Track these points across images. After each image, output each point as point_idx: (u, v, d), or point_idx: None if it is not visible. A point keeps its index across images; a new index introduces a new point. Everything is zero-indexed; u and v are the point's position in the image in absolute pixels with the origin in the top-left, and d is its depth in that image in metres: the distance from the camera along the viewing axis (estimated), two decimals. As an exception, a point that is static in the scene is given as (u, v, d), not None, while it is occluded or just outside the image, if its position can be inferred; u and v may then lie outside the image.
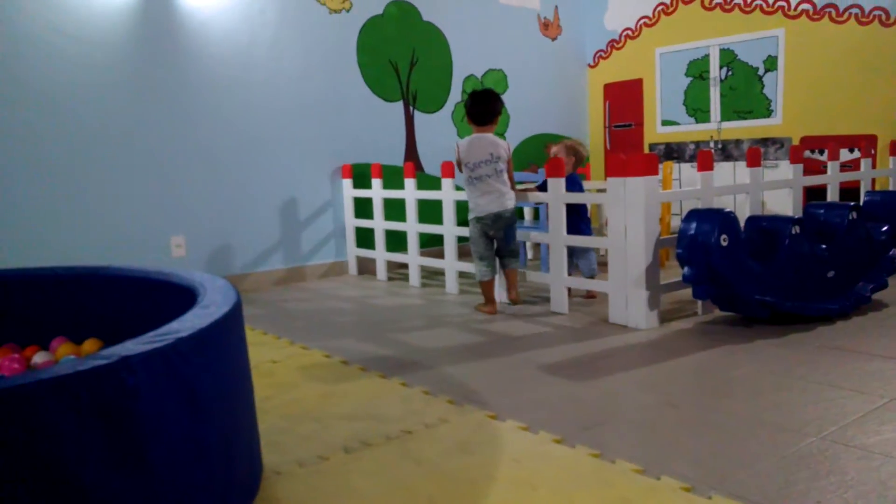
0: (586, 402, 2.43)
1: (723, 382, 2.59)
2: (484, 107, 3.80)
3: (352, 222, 5.30)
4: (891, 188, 4.90)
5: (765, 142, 5.54)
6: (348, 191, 5.27)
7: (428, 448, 2.06)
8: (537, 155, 6.57)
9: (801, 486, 1.74)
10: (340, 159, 5.32)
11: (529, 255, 5.72)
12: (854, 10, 5.05)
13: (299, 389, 2.65)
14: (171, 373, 1.40)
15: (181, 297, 2.10)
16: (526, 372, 2.80)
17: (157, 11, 4.43)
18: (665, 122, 6.30)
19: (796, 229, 3.38)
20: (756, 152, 3.90)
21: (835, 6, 5.15)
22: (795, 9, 5.35)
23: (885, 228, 3.77)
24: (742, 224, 3.39)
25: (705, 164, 3.64)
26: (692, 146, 6.08)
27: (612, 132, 6.72)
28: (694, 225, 3.17)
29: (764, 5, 5.52)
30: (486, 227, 3.84)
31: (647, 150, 6.42)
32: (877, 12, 4.93)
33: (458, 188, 4.35)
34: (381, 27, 5.47)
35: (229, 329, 1.67)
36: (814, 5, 5.25)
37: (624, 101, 6.59)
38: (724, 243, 3.11)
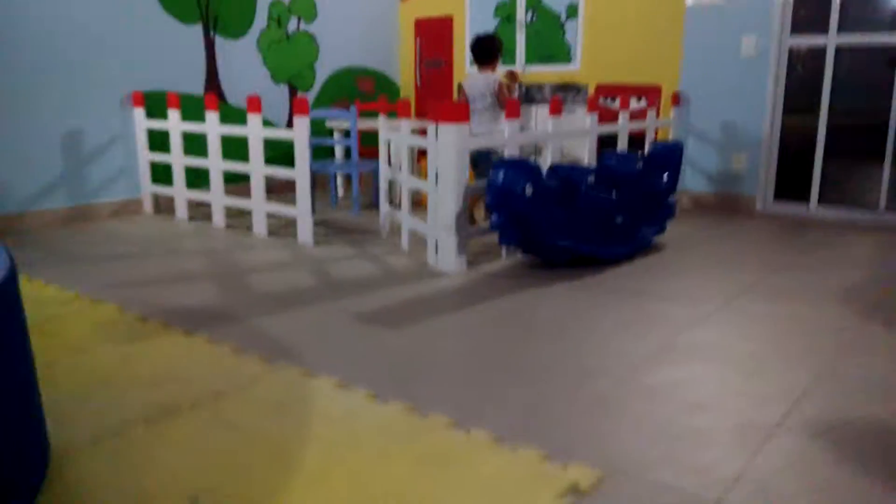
0: (400, 353, 2.46)
1: (526, 327, 2.74)
2: (478, 47, 4.51)
3: (146, 156, 4.86)
4: (671, 136, 5.38)
5: (564, 87, 5.81)
6: (141, 121, 4.81)
7: (239, 411, 1.98)
8: (349, 89, 6.41)
9: (601, 428, 1.89)
10: (131, 85, 4.81)
11: (340, 192, 5.63)
12: (647, -33, 5.37)
13: (90, 352, 2.42)
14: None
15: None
16: (341, 322, 2.77)
17: None
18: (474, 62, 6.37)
19: (591, 179, 3.61)
20: (558, 102, 4.07)
21: (630, -40, 5.44)
22: (596, -41, 5.58)
23: (665, 177, 4.13)
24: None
25: (512, 113, 3.75)
26: (499, 88, 6.22)
27: (423, 70, 6.70)
28: (501, 174, 3.27)
29: (568, -47, 5.70)
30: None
31: (455, 89, 6.48)
32: (666, -30, 5.28)
33: (266, 123, 4.13)
34: (175, -61, 4.94)
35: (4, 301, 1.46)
36: (612, -42, 5.51)
37: (434, 38, 6.57)
38: (529, 192, 3.24)
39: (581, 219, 3.54)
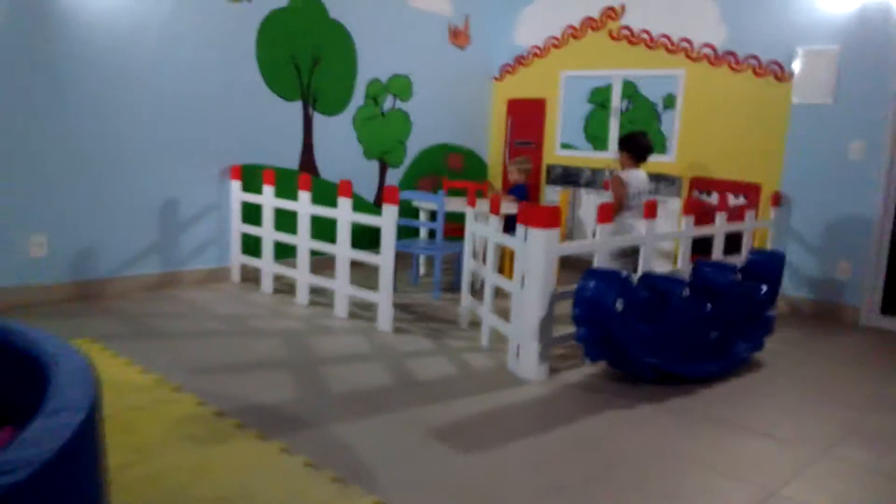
0: (475, 485, 2.34)
1: (608, 461, 2.58)
2: (644, 146, 4.54)
3: (238, 227, 4.98)
4: (770, 238, 5.13)
5: (658, 178, 5.66)
6: (236, 193, 4.94)
7: (306, 549, 1.90)
8: (438, 166, 6.45)
9: None
10: (230, 158, 4.97)
11: (422, 271, 5.61)
12: (752, 62, 5.21)
13: (165, 455, 2.40)
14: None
15: (19, 370, 1.80)
16: (415, 436, 2.68)
17: (27, -17, 3.94)
18: (564, 146, 6.33)
19: (686, 291, 3.44)
20: (653, 204, 3.94)
21: (734, 54, 5.30)
22: (698, 51, 5.47)
23: (763, 288, 3.90)
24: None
25: (605, 217, 3.64)
26: (588, 172, 6.14)
27: (513, 148, 6.69)
28: (592, 286, 3.15)
29: (668, 44, 5.62)
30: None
31: (544, 171, 6.44)
32: (773, 66, 5.11)
33: (367, 206, 4.17)
34: (283, 21, 5.13)
35: (82, 449, 1.43)
36: (715, 50, 5.39)
37: (526, 118, 6.57)
38: (620, 308, 3.10)
39: (672, 334, 3.36)
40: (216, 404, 2.85)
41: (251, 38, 4.97)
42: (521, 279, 3.38)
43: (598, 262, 3.59)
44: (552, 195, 6.33)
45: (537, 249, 3.27)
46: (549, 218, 3.27)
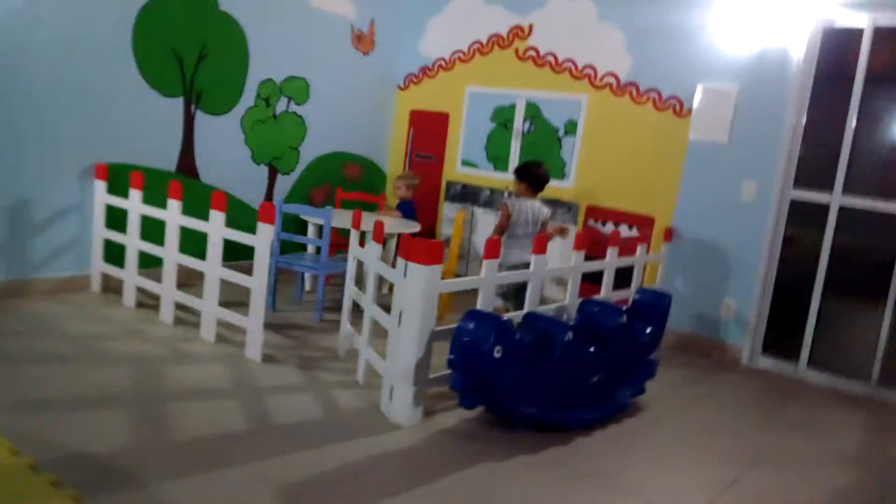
0: (317, 563, 2.09)
1: (472, 529, 2.39)
2: (539, 176, 4.49)
3: (101, 233, 4.52)
4: (660, 273, 5.11)
5: (554, 203, 5.56)
6: (101, 195, 4.49)
7: None
8: (333, 175, 6.14)
9: None
10: (96, 156, 4.51)
11: (307, 286, 5.31)
12: (653, 94, 5.18)
13: (-50, 523, 2.03)
14: None
15: None
16: (262, 497, 2.40)
17: None
18: (465, 163, 6.16)
19: (570, 336, 3.30)
20: (542, 239, 3.80)
21: (636, 85, 5.26)
22: (601, 80, 5.41)
23: (648, 330, 3.82)
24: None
25: (491, 252, 3.46)
26: (488, 192, 5.99)
27: (413, 161, 6.47)
28: (470, 329, 2.95)
29: (573, 68, 5.53)
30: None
31: (444, 188, 6.25)
32: (672, 101, 5.09)
33: (241, 205, 3.83)
34: (166, 8, 4.70)
35: None
36: (618, 80, 5.34)
37: (428, 131, 6.36)
38: (498, 355, 2.92)
39: (552, 380, 3.22)
40: (33, 453, 2.47)
41: (128, 25, 4.52)
42: (398, 316, 3.15)
43: (482, 299, 3.41)
44: (450, 213, 6.14)
45: (416, 287, 3.05)
46: (431, 254, 3.05)
